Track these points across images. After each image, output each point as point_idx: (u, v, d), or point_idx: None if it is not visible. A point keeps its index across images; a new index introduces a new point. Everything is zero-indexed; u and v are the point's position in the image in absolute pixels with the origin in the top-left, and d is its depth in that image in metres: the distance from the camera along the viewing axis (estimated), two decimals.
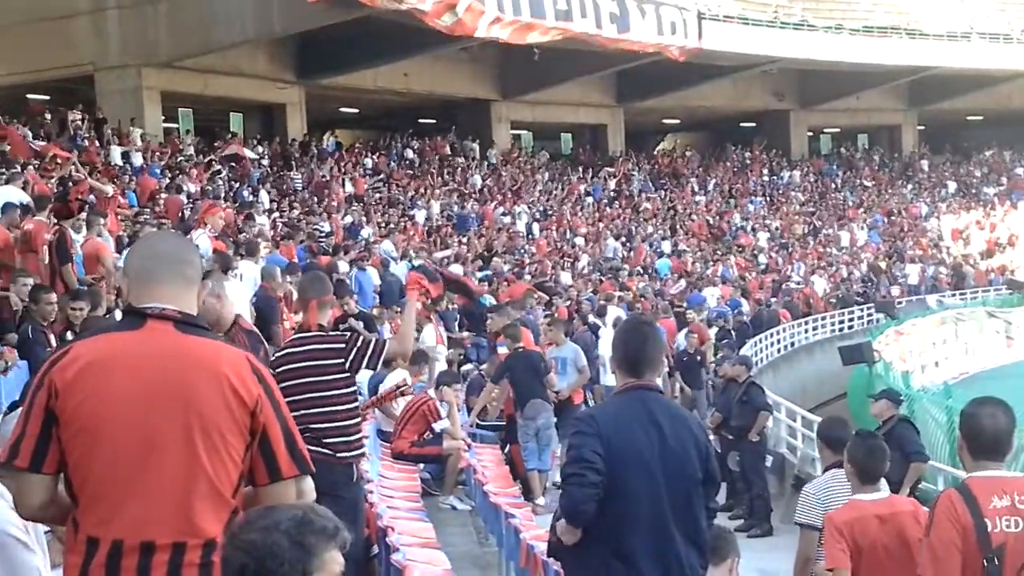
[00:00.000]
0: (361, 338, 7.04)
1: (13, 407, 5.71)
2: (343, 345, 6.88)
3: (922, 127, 54.84)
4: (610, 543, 4.56)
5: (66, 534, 3.09)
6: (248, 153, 32.28)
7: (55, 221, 12.38)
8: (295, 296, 13.93)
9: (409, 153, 39.30)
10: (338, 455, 6.76)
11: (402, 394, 11.62)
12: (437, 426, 12.45)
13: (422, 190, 35.06)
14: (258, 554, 2.46)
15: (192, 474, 3.04)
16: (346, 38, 33.73)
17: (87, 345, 3.11)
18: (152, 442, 3.03)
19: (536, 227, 35.33)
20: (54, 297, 9.34)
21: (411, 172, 37.39)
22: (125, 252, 13.65)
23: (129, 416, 3.03)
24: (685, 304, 26.43)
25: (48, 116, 29.66)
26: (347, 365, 6.83)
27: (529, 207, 36.86)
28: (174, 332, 3.15)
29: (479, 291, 7.49)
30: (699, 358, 19.73)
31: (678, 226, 39.97)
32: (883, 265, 40.46)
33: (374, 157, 37.49)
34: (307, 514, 2.54)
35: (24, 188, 14.88)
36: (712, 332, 23.55)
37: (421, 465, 12.57)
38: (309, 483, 3.37)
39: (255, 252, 14.44)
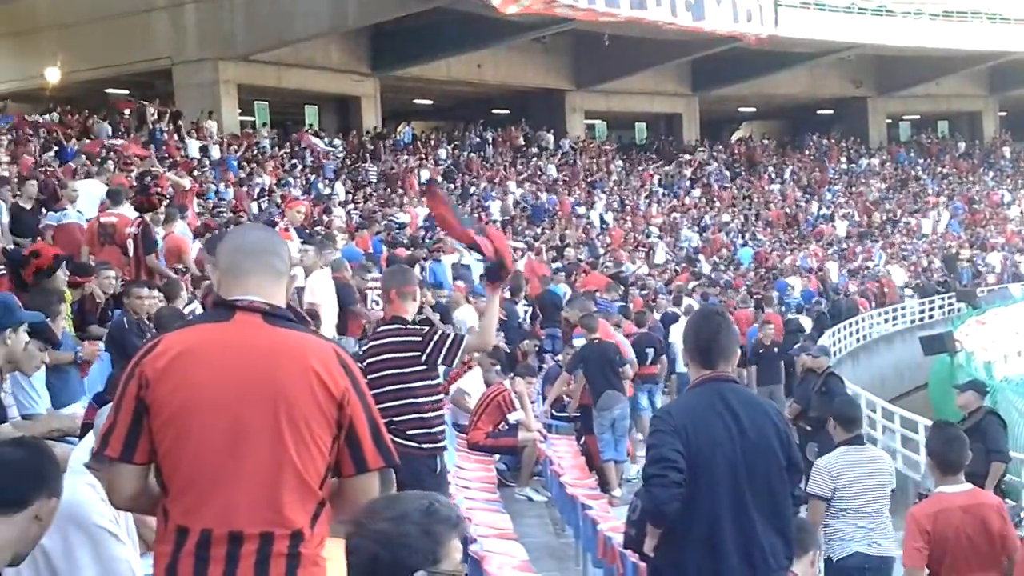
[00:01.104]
0: (439, 332, 6.99)
1: (98, 399, 5.77)
2: (420, 338, 6.85)
3: (1003, 113, 53.78)
4: (693, 536, 4.49)
5: (156, 523, 3.10)
6: (319, 144, 32.51)
7: (138, 214, 12.50)
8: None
9: (483, 144, 39.32)
10: (421, 447, 6.75)
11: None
12: (512, 417, 12.43)
13: (496, 181, 35.06)
14: (390, 544, 2.53)
15: (280, 465, 3.05)
16: (419, 29, 33.82)
17: (177, 336, 3.13)
18: (241, 433, 3.04)
19: (610, 217, 35.18)
20: (145, 291, 9.41)
21: (485, 163, 37.41)
22: (197, 244, 13.80)
23: (218, 406, 3.05)
24: (762, 293, 26.16)
25: (127, 111, 30.13)
26: (423, 359, 6.80)
27: (604, 196, 36.71)
28: (262, 324, 3.17)
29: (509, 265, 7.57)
30: (775, 349, 19.48)
31: (755, 215, 39.62)
32: (964, 254, 39.67)
33: (448, 148, 37.57)
34: (433, 503, 2.59)
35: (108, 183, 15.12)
36: (801, 321, 23.24)
37: (497, 456, 12.55)
38: (391, 474, 3.32)
39: (332, 244, 14.48)
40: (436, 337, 6.85)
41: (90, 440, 4.50)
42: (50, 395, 7.27)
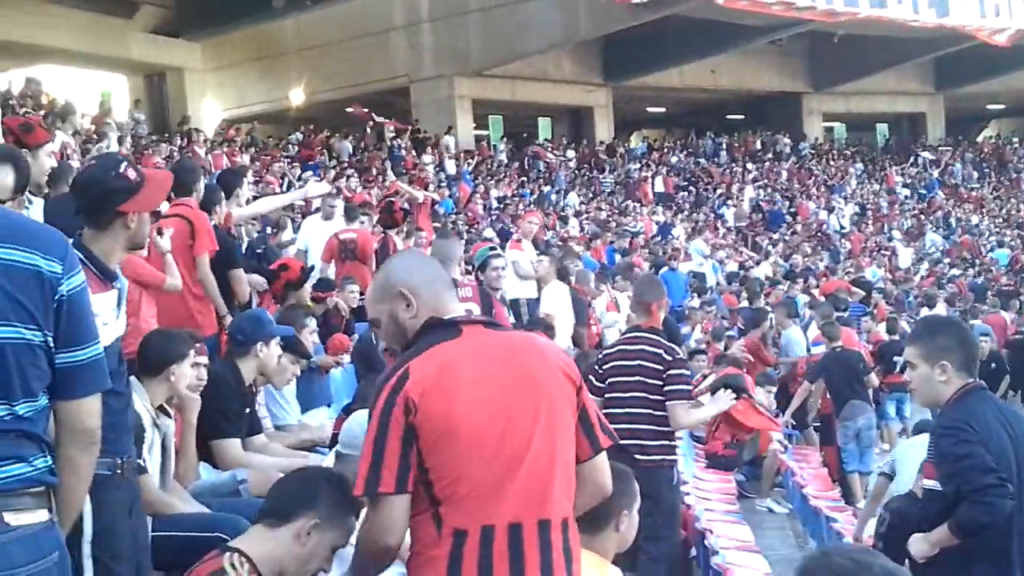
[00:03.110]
0: (682, 373, 7.06)
1: (347, 410, 5.93)
2: (671, 360, 6.93)
3: None
4: (985, 548, 4.35)
5: (420, 532, 3.13)
6: (549, 156, 32.82)
7: (381, 230, 12.81)
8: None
9: (717, 150, 38.91)
10: (660, 459, 6.73)
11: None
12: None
13: (731, 187, 34.63)
14: None
15: (550, 456, 3.13)
16: (651, 37, 33.72)
17: (424, 359, 3.16)
18: (513, 430, 3.12)
19: (850, 222, 34.25)
20: None
21: (720, 169, 37.01)
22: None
23: (490, 411, 3.11)
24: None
25: (369, 127, 31.13)
26: (662, 385, 6.89)
27: (843, 200, 35.79)
28: (488, 331, 3.26)
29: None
30: None
31: (1007, 216, 37.86)
32: None
33: (681, 155, 37.32)
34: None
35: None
36: None
37: (736, 467, 12.35)
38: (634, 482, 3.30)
39: (574, 256, 14.50)
40: (679, 373, 6.95)
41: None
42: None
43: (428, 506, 3.09)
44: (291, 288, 9.13)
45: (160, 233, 6.85)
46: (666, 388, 6.90)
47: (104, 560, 3.65)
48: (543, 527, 3.10)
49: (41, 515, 2.62)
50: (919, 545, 4.46)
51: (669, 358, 6.93)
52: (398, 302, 3.29)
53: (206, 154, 23.43)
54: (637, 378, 6.92)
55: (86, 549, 3.41)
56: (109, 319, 3.66)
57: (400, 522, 3.09)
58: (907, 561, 4.59)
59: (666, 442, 6.86)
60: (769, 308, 16.37)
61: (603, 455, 3.29)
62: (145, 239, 4.11)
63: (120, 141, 22.26)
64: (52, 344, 2.62)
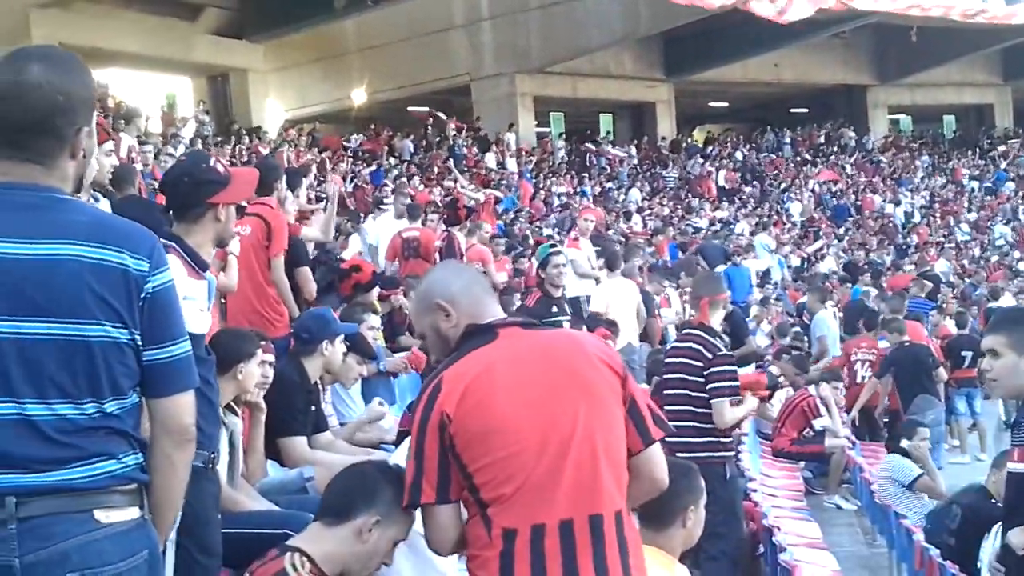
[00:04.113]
0: (724, 370, 7.04)
1: (411, 408, 5.96)
2: (711, 357, 6.95)
3: None
4: None
5: (472, 534, 3.15)
6: (616, 152, 32.71)
7: (444, 227, 12.87)
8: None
9: (780, 144, 38.62)
10: (707, 455, 6.70)
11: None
12: (817, 423, 12.11)
13: (796, 181, 34.35)
14: None
15: (594, 449, 3.12)
16: (713, 32, 33.55)
17: (456, 368, 3.19)
18: (555, 427, 3.11)
19: (918, 215, 33.83)
20: None
21: (784, 163, 36.72)
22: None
23: (530, 410, 3.11)
24: None
25: (430, 126, 31.24)
26: (704, 383, 6.91)
27: (910, 193, 35.36)
28: (525, 331, 3.27)
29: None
30: None
31: None
32: None
33: (744, 150, 37.08)
34: None
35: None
36: None
37: (802, 464, 12.25)
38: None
39: (637, 253, 14.49)
40: (722, 370, 6.96)
41: (405, 448, 4.64)
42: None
43: (477, 509, 3.13)
44: (360, 290, 9.18)
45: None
46: (708, 386, 6.95)
47: (190, 550, 3.70)
48: (595, 522, 3.09)
49: (132, 512, 2.63)
50: (1020, 537, 4.36)
51: (710, 355, 6.94)
52: (438, 314, 3.32)
53: (270, 154, 23.62)
54: (679, 375, 7.01)
55: (171, 535, 3.43)
56: (204, 306, 3.74)
57: (448, 531, 3.18)
58: (992, 555, 4.52)
59: (712, 439, 6.86)
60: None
61: (656, 447, 3.28)
62: (232, 235, 4.21)
63: (192, 142, 22.54)
64: (140, 342, 2.63)
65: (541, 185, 28.76)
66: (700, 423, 6.88)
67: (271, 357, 5.35)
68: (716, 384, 6.96)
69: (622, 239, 20.11)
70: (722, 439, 7.01)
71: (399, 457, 4.63)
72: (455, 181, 21.54)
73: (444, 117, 31.18)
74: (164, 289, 2.67)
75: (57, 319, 2.54)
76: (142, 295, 2.62)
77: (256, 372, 4.89)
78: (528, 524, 3.07)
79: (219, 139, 25.80)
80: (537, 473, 3.09)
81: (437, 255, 12.30)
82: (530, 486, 3.08)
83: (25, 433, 2.52)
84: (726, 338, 7.80)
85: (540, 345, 3.24)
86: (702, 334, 6.99)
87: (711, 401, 6.91)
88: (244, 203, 7.26)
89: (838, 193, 34.12)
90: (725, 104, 43.71)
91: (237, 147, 24.23)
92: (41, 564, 2.50)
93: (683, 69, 36.73)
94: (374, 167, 25.82)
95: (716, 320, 7.16)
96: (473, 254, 13.58)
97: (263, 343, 5.16)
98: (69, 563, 2.52)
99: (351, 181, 23.94)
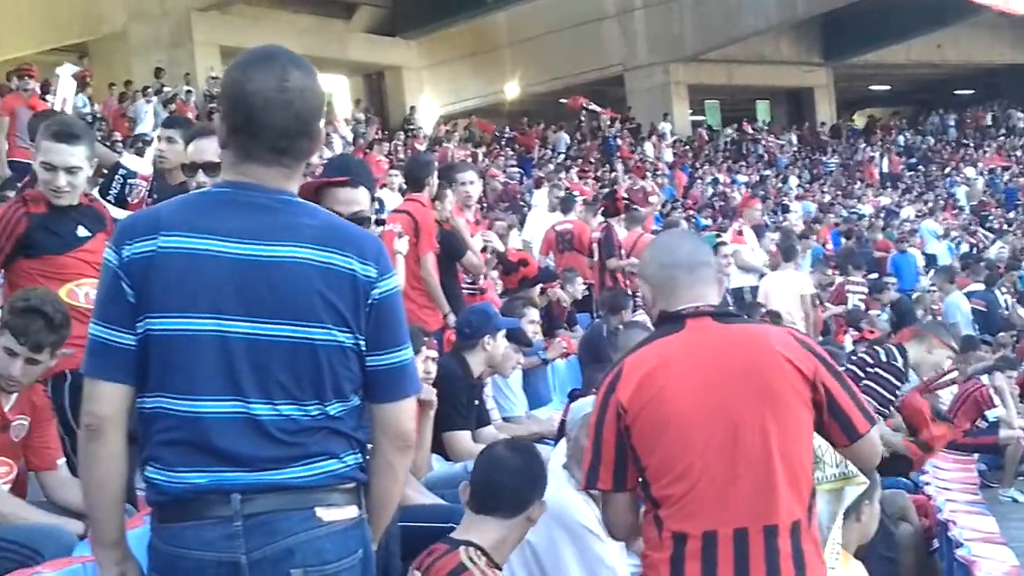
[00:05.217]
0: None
1: (572, 396, 5.93)
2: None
3: None
4: None
5: (646, 534, 3.12)
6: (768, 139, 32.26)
7: (603, 219, 12.79)
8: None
9: (945, 127, 37.51)
10: None
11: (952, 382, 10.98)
12: (991, 414, 11.73)
13: (962, 165, 33.31)
14: None
15: (771, 456, 3.03)
16: (874, 13, 32.72)
17: (638, 357, 3.16)
18: (731, 430, 3.04)
19: None
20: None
21: (950, 147, 35.65)
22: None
23: (705, 410, 3.05)
24: None
25: (583, 117, 31.18)
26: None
27: None
28: (715, 324, 3.17)
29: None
30: None
31: None
32: None
33: (908, 134, 36.11)
34: None
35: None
36: None
37: (976, 456, 11.87)
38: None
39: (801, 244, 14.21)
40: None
41: (563, 446, 4.61)
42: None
43: (650, 506, 3.10)
44: (526, 284, 9.18)
45: (400, 236, 6.86)
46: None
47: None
48: (769, 533, 3.00)
49: (351, 511, 2.64)
50: None
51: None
52: (646, 289, 3.31)
53: (427, 150, 23.84)
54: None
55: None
56: None
57: (624, 517, 3.21)
58: None
59: None
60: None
61: (865, 441, 3.16)
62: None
63: (354, 141, 22.89)
64: (364, 347, 2.64)
65: (697, 174, 28.46)
66: None
67: (434, 353, 5.38)
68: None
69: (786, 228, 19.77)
70: None
71: (560, 451, 4.60)
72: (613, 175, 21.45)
73: (598, 108, 31.07)
74: (390, 295, 2.68)
75: (287, 321, 2.56)
76: (369, 300, 2.62)
77: (420, 368, 4.90)
78: (700, 530, 3.01)
79: (377, 136, 26.14)
80: (710, 476, 3.02)
81: (595, 247, 12.22)
82: (703, 489, 3.02)
83: (251, 432, 2.55)
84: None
85: (725, 340, 3.15)
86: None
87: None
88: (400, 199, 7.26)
89: (1010, 177, 32.96)
90: (887, 87, 42.64)
91: (393, 143, 24.48)
92: (267, 561, 2.52)
93: (842, 52, 35.96)
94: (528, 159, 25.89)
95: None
96: (630, 242, 13.47)
97: (427, 339, 5.18)
98: (293, 560, 2.54)
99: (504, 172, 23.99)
